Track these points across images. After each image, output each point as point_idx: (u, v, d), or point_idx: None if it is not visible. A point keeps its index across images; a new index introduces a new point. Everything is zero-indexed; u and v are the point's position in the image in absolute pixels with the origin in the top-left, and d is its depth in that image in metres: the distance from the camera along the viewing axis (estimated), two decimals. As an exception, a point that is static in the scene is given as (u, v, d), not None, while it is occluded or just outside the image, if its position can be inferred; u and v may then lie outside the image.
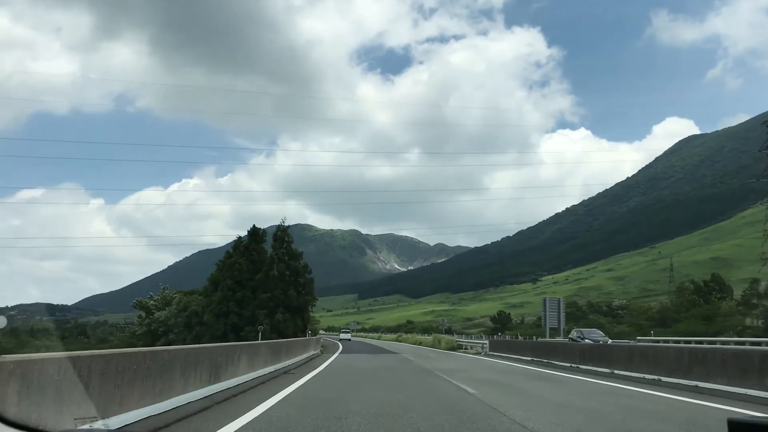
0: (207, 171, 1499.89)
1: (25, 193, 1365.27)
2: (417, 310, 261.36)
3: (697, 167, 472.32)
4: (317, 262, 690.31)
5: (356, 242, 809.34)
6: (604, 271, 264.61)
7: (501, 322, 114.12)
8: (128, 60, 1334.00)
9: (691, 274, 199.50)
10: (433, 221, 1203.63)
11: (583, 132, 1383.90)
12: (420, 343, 62.95)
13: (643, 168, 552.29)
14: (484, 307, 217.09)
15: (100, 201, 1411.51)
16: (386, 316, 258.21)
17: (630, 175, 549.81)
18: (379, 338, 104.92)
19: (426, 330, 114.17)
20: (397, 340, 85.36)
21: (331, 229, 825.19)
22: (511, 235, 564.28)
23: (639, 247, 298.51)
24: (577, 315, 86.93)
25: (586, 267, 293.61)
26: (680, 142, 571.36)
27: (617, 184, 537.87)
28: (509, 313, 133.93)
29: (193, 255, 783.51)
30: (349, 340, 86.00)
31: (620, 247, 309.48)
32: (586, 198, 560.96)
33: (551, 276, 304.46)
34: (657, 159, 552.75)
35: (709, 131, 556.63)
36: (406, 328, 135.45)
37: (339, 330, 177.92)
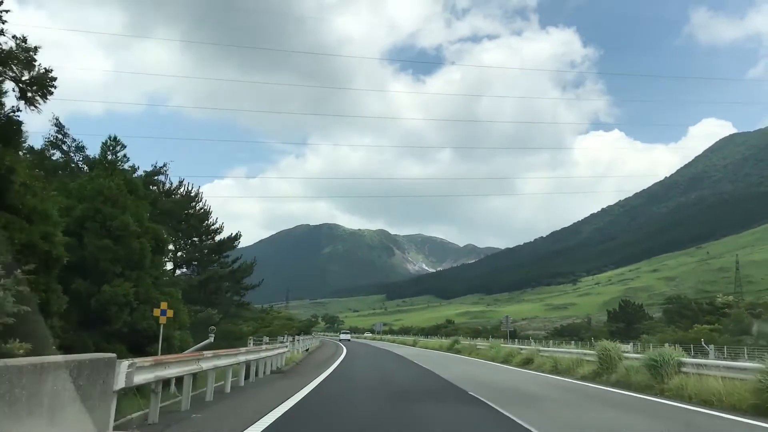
0: (238, 171, 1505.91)
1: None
2: (450, 311, 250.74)
3: (739, 166, 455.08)
4: (344, 262, 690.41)
5: (384, 242, 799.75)
6: (649, 272, 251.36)
7: (625, 320, 79.08)
8: (161, 58, 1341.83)
9: (751, 274, 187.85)
10: (463, 222, 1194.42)
11: (617, 133, 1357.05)
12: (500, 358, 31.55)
13: (681, 168, 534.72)
14: (524, 308, 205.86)
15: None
16: (416, 317, 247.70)
17: (668, 175, 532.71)
18: (414, 344, 72.28)
19: (470, 332, 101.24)
20: (451, 349, 48.67)
21: (359, 229, 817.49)
22: (545, 236, 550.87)
23: (683, 247, 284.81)
24: (685, 314, 72.65)
25: (629, 267, 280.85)
26: (721, 141, 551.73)
27: (655, 184, 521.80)
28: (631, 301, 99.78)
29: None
30: (349, 340, 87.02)
31: (664, 247, 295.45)
32: (622, 198, 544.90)
33: (591, 277, 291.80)
34: (697, 158, 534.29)
35: (751, 130, 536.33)
36: (446, 330, 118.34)
37: (353, 331, 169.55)
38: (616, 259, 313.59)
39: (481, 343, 45.32)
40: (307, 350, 33.63)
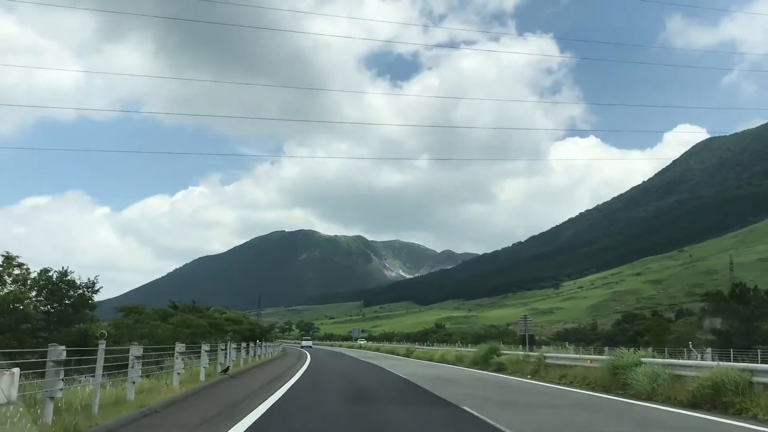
0: (213, 179, 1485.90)
1: (30, 201, 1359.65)
2: (430, 317, 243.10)
3: (717, 170, 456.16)
4: (321, 268, 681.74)
5: (361, 248, 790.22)
6: (632, 275, 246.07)
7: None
8: (133, 63, 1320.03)
9: (740, 276, 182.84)
10: (440, 228, 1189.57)
11: (593, 140, 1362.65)
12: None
13: (659, 172, 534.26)
14: (507, 313, 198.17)
15: (105, 209, 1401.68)
16: (396, 323, 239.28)
17: (646, 179, 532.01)
18: (408, 354, 55.27)
19: (467, 337, 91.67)
20: (478, 361, 31.79)
21: (336, 236, 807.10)
22: (523, 241, 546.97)
23: (665, 250, 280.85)
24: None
25: (611, 271, 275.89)
26: (698, 145, 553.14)
27: (633, 188, 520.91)
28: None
29: (193, 261, 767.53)
30: (310, 347, 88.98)
31: (645, 250, 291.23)
32: (600, 202, 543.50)
33: (573, 281, 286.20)
34: (674, 162, 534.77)
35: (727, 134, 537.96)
36: (437, 335, 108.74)
37: (327, 339, 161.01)
38: (597, 263, 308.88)
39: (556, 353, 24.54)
40: (226, 371, 21.96)
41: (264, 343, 42.62)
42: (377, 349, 78.32)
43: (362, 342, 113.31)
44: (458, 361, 36.61)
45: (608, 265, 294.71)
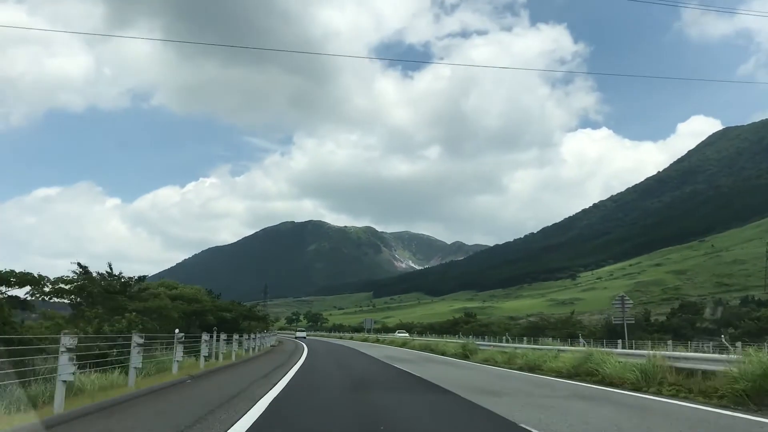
0: (223, 169, 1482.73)
1: (41, 192, 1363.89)
2: (443, 308, 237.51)
3: (734, 160, 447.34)
4: (330, 259, 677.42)
5: (371, 239, 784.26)
6: (652, 266, 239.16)
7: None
8: (142, 51, 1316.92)
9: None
10: (450, 219, 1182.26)
11: (605, 131, 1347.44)
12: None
13: (674, 162, 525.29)
14: (524, 304, 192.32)
15: (116, 200, 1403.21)
16: (408, 314, 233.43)
17: (661, 170, 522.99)
18: (469, 355, 32.82)
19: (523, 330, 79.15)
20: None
21: (346, 226, 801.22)
22: (535, 232, 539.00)
23: (684, 241, 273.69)
24: None
25: (629, 262, 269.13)
26: (714, 135, 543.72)
27: (648, 179, 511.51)
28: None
29: (202, 252, 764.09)
30: (305, 338, 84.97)
31: (663, 241, 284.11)
32: (614, 193, 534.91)
33: (590, 272, 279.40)
34: (690, 152, 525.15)
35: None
36: (469, 327, 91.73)
37: (336, 330, 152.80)
38: (613, 254, 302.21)
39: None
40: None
41: (250, 336, 34.93)
42: (403, 344, 58.26)
43: (401, 335, 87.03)
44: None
45: (625, 255, 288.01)
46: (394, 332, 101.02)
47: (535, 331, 69.11)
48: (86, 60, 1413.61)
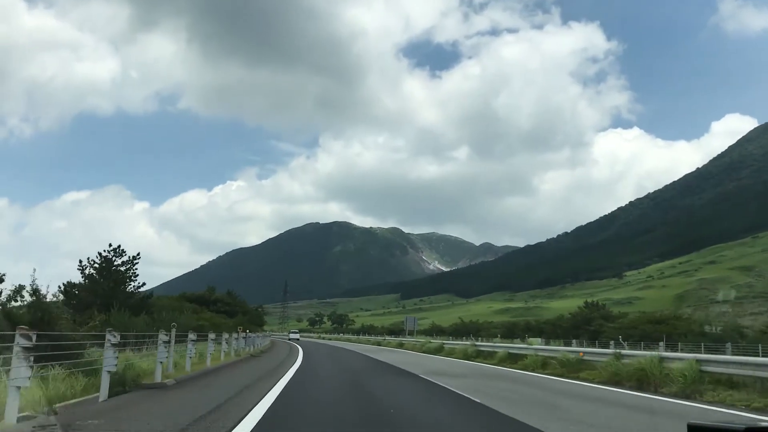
0: (250, 172, 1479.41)
1: (71, 196, 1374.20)
2: (480, 309, 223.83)
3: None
4: (356, 261, 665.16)
5: (398, 241, 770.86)
6: (706, 264, 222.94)
7: None
8: (167, 53, 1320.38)
9: None
10: (478, 221, 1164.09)
11: (636, 131, 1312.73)
12: None
13: (715, 158, 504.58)
14: (571, 304, 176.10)
15: (144, 204, 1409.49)
16: (441, 317, 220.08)
17: (700, 166, 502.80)
18: None
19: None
20: None
21: (371, 228, 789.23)
22: (568, 232, 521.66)
23: (736, 237, 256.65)
24: None
25: (678, 260, 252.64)
26: (754, 130, 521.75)
27: (687, 175, 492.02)
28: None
29: (227, 254, 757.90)
30: (298, 339, 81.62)
31: (713, 238, 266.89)
32: (651, 191, 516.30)
33: (636, 270, 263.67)
34: (730, 148, 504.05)
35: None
36: (563, 326, 71.95)
37: (365, 332, 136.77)
38: (659, 252, 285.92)
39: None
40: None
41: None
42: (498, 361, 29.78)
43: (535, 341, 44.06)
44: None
45: (672, 253, 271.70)
46: (524, 340, 51.80)
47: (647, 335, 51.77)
48: (113, 63, 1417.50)
